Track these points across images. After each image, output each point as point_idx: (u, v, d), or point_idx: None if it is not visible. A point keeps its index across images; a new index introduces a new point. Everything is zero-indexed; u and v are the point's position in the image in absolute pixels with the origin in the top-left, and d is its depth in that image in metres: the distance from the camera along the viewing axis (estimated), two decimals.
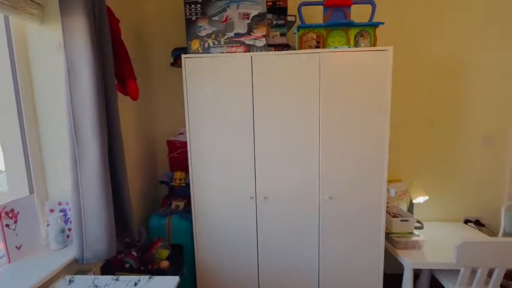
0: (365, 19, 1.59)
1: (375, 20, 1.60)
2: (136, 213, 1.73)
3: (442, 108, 2.11)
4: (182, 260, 1.70)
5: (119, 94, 1.42)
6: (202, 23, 1.51)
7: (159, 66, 2.16)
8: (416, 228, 2.04)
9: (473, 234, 1.95)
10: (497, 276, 1.59)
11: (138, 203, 1.91)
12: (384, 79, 1.50)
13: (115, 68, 1.34)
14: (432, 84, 2.09)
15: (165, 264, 1.50)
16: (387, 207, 2.00)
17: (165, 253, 1.59)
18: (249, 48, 1.55)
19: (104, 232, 1.21)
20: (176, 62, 1.87)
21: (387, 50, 1.50)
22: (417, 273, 2.22)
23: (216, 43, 1.55)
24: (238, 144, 1.58)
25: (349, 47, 1.57)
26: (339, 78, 1.52)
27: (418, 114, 2.12)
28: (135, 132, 1.93)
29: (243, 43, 1.54)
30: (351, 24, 1.55)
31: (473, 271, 1.68)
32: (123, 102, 1.52)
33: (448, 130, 2.12)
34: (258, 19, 1.50)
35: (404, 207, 2.09)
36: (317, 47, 1.60)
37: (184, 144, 1.84)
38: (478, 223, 2.16)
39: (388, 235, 1.84)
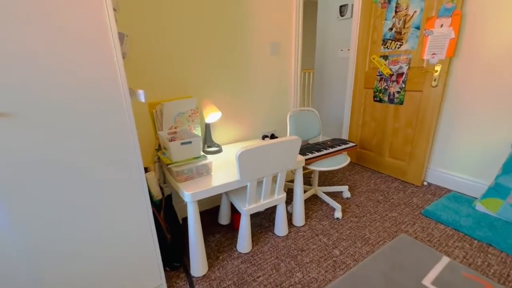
0: None
1: None
2: None
3: (225, 17, 1.70)
4: None
5: None
6: None
7: None
8: (213, 152, 1.69)
9: None
10: (280, 179, 1.48)
11: None
12: None
13: None
14: None
15: None
16: (173, 134, 1.48)
17: None
18: None
19: None
20: None
21: None
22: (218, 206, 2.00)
23: None
24: None
25: None
26: None
27: (201, 26, 1.60)
28: None
29: None
30: None
31: (260, 184, 1.52)
32: None
33: (235, 40, 1.78)
34: None
35: (198, 131, 1.66)
36: None
37: None
38: (272, 137, 2.15)
39: (168, 167, 1.33)
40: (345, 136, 2.83)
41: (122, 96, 0.90)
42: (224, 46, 1.74)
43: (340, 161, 1.80)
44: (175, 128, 1.55)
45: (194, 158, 1.36)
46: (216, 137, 1.88)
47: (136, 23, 1.40)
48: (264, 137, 2.11)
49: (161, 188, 1.50)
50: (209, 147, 1.77)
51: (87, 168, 0.89)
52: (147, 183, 1.38)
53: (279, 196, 1.51)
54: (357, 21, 2.48)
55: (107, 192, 0.95)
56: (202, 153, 1.40)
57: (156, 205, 1.36)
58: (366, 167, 2.65)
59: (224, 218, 1.72)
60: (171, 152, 1.29)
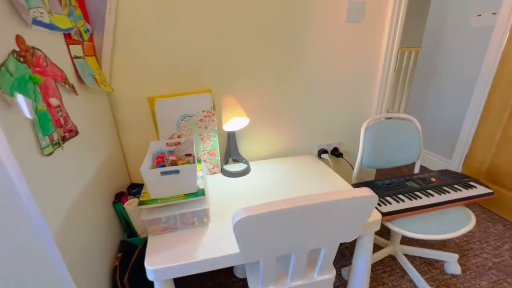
0: None
1: None
2: None
3: None
4: None
5: None
6: None
7: None
8: (235, 174, 1.15)
9: (318, 169, 1.16)
10: (326, 255, 0.81)
11: None
12: None
13: None
14: None
15: None
16: (175, 147, 0.99)
17: None
18: None
19: None
20: None
21: None
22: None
23: None
24: None
25: None
26: None
27: None
28: None
29: None
30: None
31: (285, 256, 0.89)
32: None
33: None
34: None
35: (215, 142, 1.13)
36: None
37: None
38: (334, 153, 1.43)
39: (139, 207, 0.85)
40: (458, 158, 1.80)
41: None
42: (264, 8, 1.09)
43: (455, 223, 0.97)
44: (179, 137, 1.06)
45: (185, 195, 0.84)
46: (245, 148, 1.31)
47: None
48: (321, 152, 1.41)
49: None
50: (235, 161, 1.24)
51: None
52: (127, 216, 0.96)
53: (323, 277, 0.86)
54: None
55: None
56: (199, 187, 0.87)
57: (128, 251, 0.93)
58: (495, 215, 1.62)
59: (240, 270, 1.19)
60: (146, 185, 0.81)
